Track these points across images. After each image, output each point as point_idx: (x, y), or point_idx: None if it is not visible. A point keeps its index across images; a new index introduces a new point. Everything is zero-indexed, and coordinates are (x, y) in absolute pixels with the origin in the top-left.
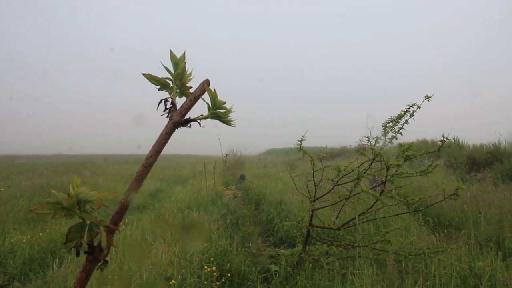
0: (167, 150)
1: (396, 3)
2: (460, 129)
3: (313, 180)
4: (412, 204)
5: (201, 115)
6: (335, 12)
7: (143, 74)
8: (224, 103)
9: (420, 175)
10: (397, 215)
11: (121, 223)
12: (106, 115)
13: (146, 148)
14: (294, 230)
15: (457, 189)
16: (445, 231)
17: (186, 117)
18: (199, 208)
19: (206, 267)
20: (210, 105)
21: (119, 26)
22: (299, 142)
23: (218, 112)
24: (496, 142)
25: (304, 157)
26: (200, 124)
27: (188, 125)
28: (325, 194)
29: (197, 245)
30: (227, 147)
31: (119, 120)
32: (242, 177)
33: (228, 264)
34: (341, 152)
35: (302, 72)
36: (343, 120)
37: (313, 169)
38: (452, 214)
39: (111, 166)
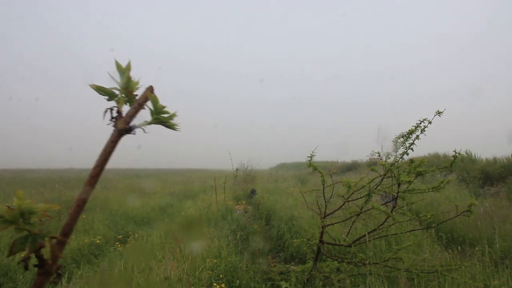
0: (178, 164)
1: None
2: (472, 142)
3: (324, 196)
4: (425, 220)
5: (145, 121)
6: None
7: (90, 86)
8: (164, 107)
9: (432, 191)
10: (409, 231)
11: (130, 238)
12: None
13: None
14: (304, 247)
15: (470, 205)
16: (459, 247)
17: (132, 124)
18: (210, 223)
19: (215, 284)
20: (153, 111)
21: (119, 26)
22: (309, 158)
23: (161, 117)
24: (510, 156)
25: (315, 172)
26: (144, 130)
27: (133, 132)
28: (335, 210)
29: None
30: (238, 161)
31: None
32: (253, 191)
33: (237, 281)
34: (352, 167)
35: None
36: (352, 126)
37: (323, 185)
38: (466, 230)
39: (122, 181)
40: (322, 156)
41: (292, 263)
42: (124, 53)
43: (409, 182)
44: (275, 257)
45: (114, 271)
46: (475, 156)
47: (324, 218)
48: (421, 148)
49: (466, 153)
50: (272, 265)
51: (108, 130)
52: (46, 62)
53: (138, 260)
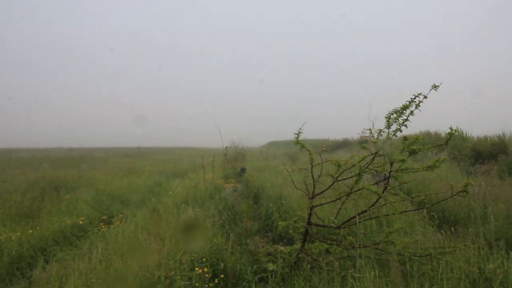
0: (169, 142)
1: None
2: (463, 120)
3: (312, 175)
4: (418, 201)
5: None
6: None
7: None
8: None
9: (426, 170)
10: (401, 212)
11: (115, 218)
12: (106, 111)
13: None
14: (290, 229)
15: (466, 185)
16: (452, 229)
17: None
18: (196, 203)
19: (197, 268)
20: None
21: (119, 26)
22: (296, 135)
23: None
24: (501, 134)
25: (302, 150)
26: None
27: None
28: (324, 191)
29: (195, 246)
30: (229, 140)
31: (119, 116)
32: (243, 170)
33: (222, 264)
34: (343, 145)
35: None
36: (345, 111)
37: (312, 164)
38: (458, 208)
39: (111, 160)
40: (312, 134)
41: (281, 243)
42: (125, 53)
43: (403, 161)
44: (263, 237)
45: (93, 255)
46: (466, 134)
47: (312, 198)
48: (412, 126)
49: (457, 131)
50: (260, 245)
51: (100, 106)
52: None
53: (120, 243)
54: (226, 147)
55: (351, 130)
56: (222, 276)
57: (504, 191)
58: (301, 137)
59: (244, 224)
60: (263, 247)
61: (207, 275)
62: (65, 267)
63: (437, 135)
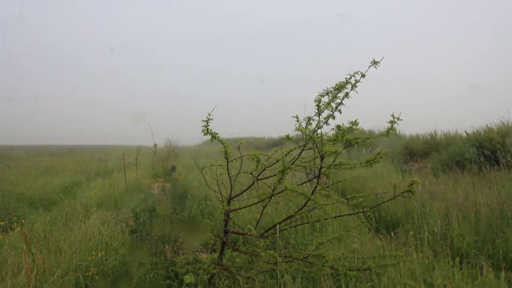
0: (100, 141)
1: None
2: (396, 114)
3: (228, 173)
4: (355, 204)
5: None
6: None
7: None
8: None
9: (365, 166)
10: (334, 217)
11: (15, 224)
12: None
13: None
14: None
15: (411, 184)
16: (391, 233)
17: None
18: (113, 205)
19: None
20: None
21: (119, 26)
22: (205, 123)
23: None
24: (433, 132)
25: (213, 142)
26: None
27: None
28: (242, 192)
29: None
30: (166, 138)
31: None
32: (173, 168)
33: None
34: (279, 142)
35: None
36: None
37: (227, 160)
38: (395, 208)
39: (32, 158)
40: (249, 132)
41: (203, 250)
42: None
43: (336, 154)
44: (183, 243)
45: None
46: (399, 132)
47: (229, 201)
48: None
49: (399, 119)
50: (181, 253)
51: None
52: None
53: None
54: (155, 144)
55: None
56: None
57: (440, 188)
58: (236, 136)
59: (160, 229)
60: (182, 255)
61: None
62: None
63: (371, 133)
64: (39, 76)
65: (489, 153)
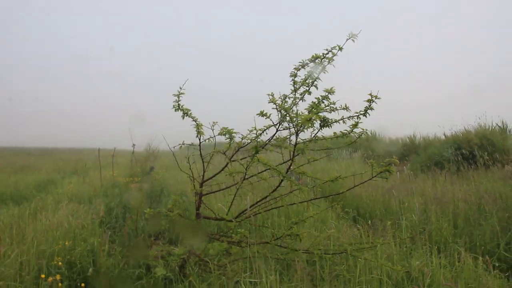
0: (82, 143)
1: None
2: (374, 119)
3: (200, 155)
4: (324, 189)
5: None
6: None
7: None
8: None
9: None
10: (309, 200)
11: None
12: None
13: None
14: (162, 221)
15: (389, 164)
16: (369, 222)
17: None
18: (86, 200)
19: (43, 275)
20: None
21: (119, 26)
22: (176, 97)
23: None
24: (412, 135)
25: (185, 119)
26: None
27: None
28: (216, 174)
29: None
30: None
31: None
32: (151, 168)
33: (91, 269)
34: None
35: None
36: None
37: (199, 139)
38: (373, 205)
39: (8, 158)
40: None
41: (178, 244)
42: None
43: (311, 122)
44: (159, 237)
45: None
46: (379, 135)
47: (201, 184)
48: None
49: (371, 133)
50: (153, 246)
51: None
52: None
53: None
54: (134, 144)
55: None
56: (82, 285)
57: (419, 185)
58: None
59: (134, 222)
60: (158, 246)
61: (60, 284)
62: None
63: (349, 137)
64: None
65: (467, 153)
